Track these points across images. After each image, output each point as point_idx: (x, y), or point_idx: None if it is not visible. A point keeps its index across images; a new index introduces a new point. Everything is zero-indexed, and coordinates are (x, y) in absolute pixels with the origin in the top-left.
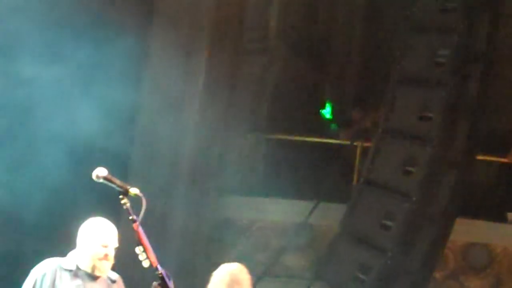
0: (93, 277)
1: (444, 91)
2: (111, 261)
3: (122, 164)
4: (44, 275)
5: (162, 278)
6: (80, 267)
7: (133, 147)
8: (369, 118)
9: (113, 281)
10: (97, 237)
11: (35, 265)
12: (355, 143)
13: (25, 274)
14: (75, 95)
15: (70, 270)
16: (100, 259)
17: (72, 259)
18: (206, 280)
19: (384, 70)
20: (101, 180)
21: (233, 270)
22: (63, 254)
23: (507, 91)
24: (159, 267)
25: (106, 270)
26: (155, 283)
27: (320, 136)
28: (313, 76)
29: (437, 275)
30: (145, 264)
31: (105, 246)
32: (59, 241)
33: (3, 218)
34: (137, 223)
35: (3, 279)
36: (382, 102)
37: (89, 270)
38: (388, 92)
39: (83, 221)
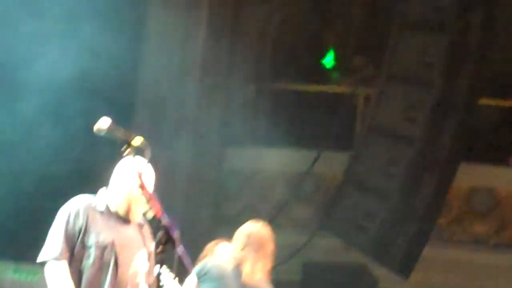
0: (125, 221)
1: (446, 35)
2: (145, 205)
3: (126, 119)
4: (78, 212)
5: (166, 228)
6: (111, 209)
7: (137, 102)
8: (371, 65)
9: (141, 226)
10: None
11: None
12: (357, 91)
13: None
14: (74, 49)
15: (101, 212)
16: (136, 202)
17: (103, 199)
18: (211, 231)
19: (386, 16)
20: (103, 133)
21: (255, 230)
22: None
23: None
24: (163, 217)
25: (140, 215)
26: (160, 233)
27: (323, 85)
28: (315, 24)
29: (441, 220)
30: (150, 214)
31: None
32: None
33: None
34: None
35: None
36: (385, 48)
37: (122, 213)
38: (390, 38)
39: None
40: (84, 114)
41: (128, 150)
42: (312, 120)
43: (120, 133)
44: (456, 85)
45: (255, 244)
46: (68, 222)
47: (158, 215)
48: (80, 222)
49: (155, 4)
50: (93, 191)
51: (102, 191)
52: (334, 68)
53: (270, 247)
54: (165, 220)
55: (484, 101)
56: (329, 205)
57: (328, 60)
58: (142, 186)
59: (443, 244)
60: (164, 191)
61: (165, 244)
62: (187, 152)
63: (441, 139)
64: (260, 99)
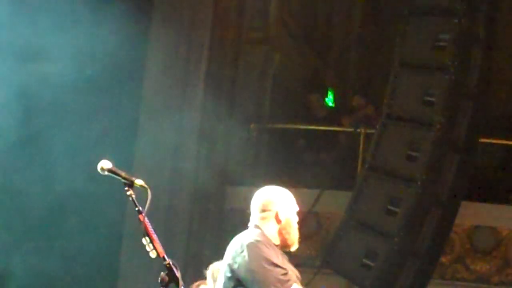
0: (287, 253)
1: (446, 75)
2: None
3: (127, 157)
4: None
5: (170, 268)
6: (275, 242)
7: (137, 142)
8: (370, 105)
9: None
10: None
11: None
12: (358, 130)
13: None
14: None
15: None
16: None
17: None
18: None
19: (386, 56)
20: (106, 173)
21: None
22: None
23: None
24: (166, 257)
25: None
26: (162, 274)
27: (323, 124)
28: (315, 64)
29: (444, 259)
30: (152, 254)
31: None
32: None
33: None
34: (143, 214)
35: None
36: (384, 88)
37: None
38: (390, 78)
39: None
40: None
41: (130, 191)
42: (314, 159)
43: (122, 174)
44: (457, 123)
45: None
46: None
47: (161, 255)
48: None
49: (154, 47)
50: None
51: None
52: (334, 108)
53: None
54: (168, 260)
55: (486, 139)
56: (332, 244)
57: (328, 100)
58: (145, 227)
59: (445, 282)
60: (166, 231)
61: (168, 284)
62: (187, 192)
63: (443, 178)
64: (260, 139)
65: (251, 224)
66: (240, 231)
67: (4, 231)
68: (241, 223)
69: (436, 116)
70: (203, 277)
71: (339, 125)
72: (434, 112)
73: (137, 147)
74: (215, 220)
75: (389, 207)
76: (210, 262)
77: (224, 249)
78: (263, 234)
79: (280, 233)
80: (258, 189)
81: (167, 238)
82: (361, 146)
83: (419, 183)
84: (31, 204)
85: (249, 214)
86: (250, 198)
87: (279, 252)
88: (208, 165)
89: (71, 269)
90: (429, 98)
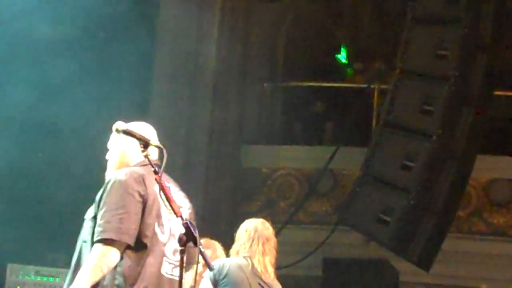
0: None
1: (458, 28)
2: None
3: (141, 119)
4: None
5: (187, 228)
6: None
7: (151, 102)
8: (385, 60)
9: None
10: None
11: None
12: (372, 86)
13: None
14: None
15: None
16: None
17: None
18: (230, 230)
19: (399, 11)
20: (121, 134)
21: (257, 225)
22: None
23: None
24: (183, 217)
25: None
26: (180, 233)
27: (337, 81)
28: (327, 21)
29: (461, 213)
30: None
31: None
32: None
33: None
34: (159, 174)
35: None
36: (398, 43)
37: None
38: (403, 33)
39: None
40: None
41: (146, 152)
42: (328, 116)
43: (137, 134)
44: (471, 77)
45: (260, 239)
46: None
47: (178, 215)
48: None
49: (167, 7)
50: None
51: None
52: (347, 65)
53: (274, 240)
54: (185, 219)
55: (500, 92)
56: (348, 201)
57: (342, 57)
58: (162, 188)
59: (462, 236)
60: (182, 191)
61: (186, 243)
62: (203, 152)
63: (458, 132)
64: (275, 98)
65: None
66: (257, 190)
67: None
68: (258, 182)
69: (450, 70)
70: (220, 237)
71: (353, 81)
72: (447, 66)
73: (152, 107)
74: (231, 180)
75: (405, 162)
76: (227, 222)
77: (241, 209)
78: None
79: None
80: (274, 148)
81: None
82: (375, 103)
83: (434, 137)
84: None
85: (265, 173)
86: (266, 157)
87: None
88: (223, 125)
89: None
90: (442, 52)
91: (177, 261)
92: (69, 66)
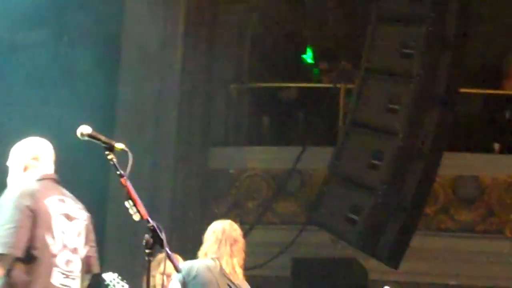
0: None
1: (424, 26)
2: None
3: (107, 122)
4: None
5: (154, 230)
6: None
7: (118, 106)
8: (350, 59)
9: None
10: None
11: None
12: (338, 86)
13: None
14: None
15: None
16: None
17: None
18: (198, 232)
19: (364, 10)
20: (86, 138)
21: (225, 227)
22: None
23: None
24: (149, 219)
25: None
26: (147, 236)
27: (303, 81)
28: (292, 21)
29: (428, 210)
30: (136, 217)
31: None
32: None
33: None
34: (125, 177)
35: None
36: (362, 43)
37: None
38: (367, 32)
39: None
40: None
41: (111, 155)
42: (294, 117)
43: (102, 138)
44: (436, 75)
45: (228, 240)
46: None
47: (145, 218)
48: None
49: (131, 8)
50: None
51: None
52: (313, 65)
53: (242, 241)
54: (151, 222)
55: (466, 90)
56: (316, 200)
57: (307, 57)
58: (127, 191)
59: (430, 233)
60: (150, 194)
61: (152, 246)
62: (170, 155)
63: (424, 130)
64: (241, 99)
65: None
66: (225, 192)
67: None
68: (225, 183)
69: (415, 68)
70: (188, 239)
71: (319, 81)
72: (413, 65)
73: (118, 110)
74: (199, 182)
75: (372, 161)
76: (195, 224)
77: (209, 211)
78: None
79: None
80: (241, 149)
81: (151, 202)
82: (341, 102)
83: (400, 135)
84: None
85: (232, 174)
86: (234, 158)
87: None
88: (190, 127)
89: None
90: (407, 50)
91: (69, 271)
92: (30, 67)
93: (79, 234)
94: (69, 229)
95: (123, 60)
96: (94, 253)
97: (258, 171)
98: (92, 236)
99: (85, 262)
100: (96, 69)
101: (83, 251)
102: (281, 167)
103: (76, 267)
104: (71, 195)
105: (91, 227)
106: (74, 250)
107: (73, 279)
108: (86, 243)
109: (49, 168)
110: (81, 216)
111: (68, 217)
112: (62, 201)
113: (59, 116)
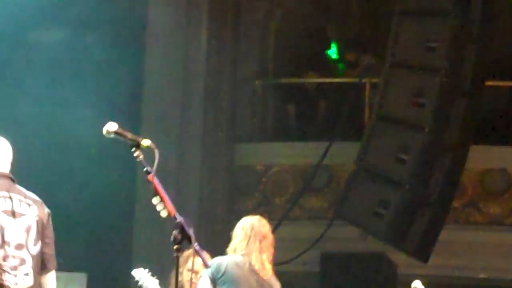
0: None
1: (448, 19)
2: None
3: (132, 120)
4: None
5: (182, 227)
6: None
7: (143, 103)
8: (375, 54)
9: None
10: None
11: None
12: (363, 80)
13: None
14: None
15: None
16: None
17: None
18: (226, 228)
19: (388, 4)
20: (112, 136)
21: (254, 223)
22: None
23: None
24: (177, 215)
25: None
26: (175, 232)
27: (328, 76)
28: (316, 16)
29: (456, 204)
30: (163, 214)
31: None
32: None
33: None
34: (152, 174)
35: None
36: (387, 37)
37: None
38: (392, 26)
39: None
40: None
41: (137, 152)
42: (321, 112)
43: (128, 135)
44: (462, 68)
45: (257, 237)
46: None
47: (172, 214)
48: None
49: (155, 8)
50: None
51: None
52: (338, 60)
53: (271, 237)
54: (179, 219)
55: (492, 82)
56: (343, 195)
57: (332, 52)
58: (155, 187)
59: (459, 227)
60: (177, 191)
61: (180, 242)
62: (197, 152)
63: (451, 123)
64: (266, 95)
65: None
66: (252, 188)
67: None
68: (252, 180)
69: (440, 61)
70: (216, 235)
71: (344, 76)
72: (437, 58)
73: (143, 108)
74: (225, 178)
75: (399, 155)
76: (223, 220)
77: (236, 207)
78: None
79: None
80: (267, 145)
81: (178, 198)
82: (367, 97)
83: (427, 129)
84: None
85: (259, 170)
86: (260, 154)
87: None
88: (216, 123)
89: (84, 236)
90: (432, 44)
91: (9, 267)
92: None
93: (27, 231)
94: (13, 226)
95: (147, 56)
96: (50, 250)
97: (285, 167)
98: (49, 233)
99: (39, 259)
100: (120, 64)
101: (34, 248)
102: (308, 162)
103: (21, 263)
104: (26, 192)
105: (48, 223)
106: (18, 246)
107: (15, 275)
108: (39, 239)
109: (2, 166)
110: (31, 212)
111: (13, 214)
112: (9, 198)
113: (84, 114)
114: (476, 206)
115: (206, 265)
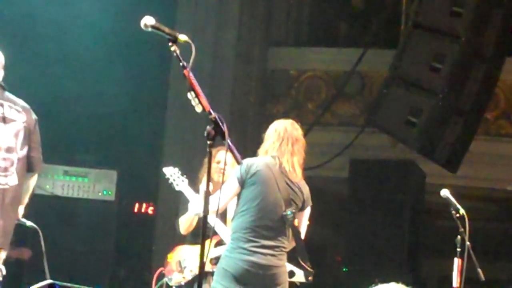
0: None
1: None
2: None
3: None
4: None
5: (216, 122)
6: None
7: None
8: None
9: None
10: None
11: None
12: None
13: None
14: None
15: None
16: None
17: None
18: (257, 131)
19: None
20: (149, 29)
21: (287, 126)
22: None
23: None
24: (211, 111)
25: None
26: (208, 127)
27: None
28: None
29: (489, 115)
30: (198, 109)
31: None
32: None
33: None
34: (188, 69)
35: None
36: None
37: None
38: None
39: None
40: None
41: (174, 47)
42: (356, 18)
43: (166, 29)
44: None
45: (290, 139)
46: None
47: (207, 109)
48: None
49: None
50: None
51: None
52: None
53: (303, 141)
54: (213, 114)
55: None
56: (375, 102)
57: None
58: (190, 82)
59: (490, 138)
60: (211, 93)
61: (214, 137)
62: (231, 55)
63: (487, 33)
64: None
65: None
66: (284, 92)
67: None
68: (285, 83)
69: None
70: (247, 137)
71: None
72: None
73: (179, 8)
74: (258, 82)
75: (433, 63)
76: (254, 123)
77: (268, 110)
78: None
79: None
80: (301, 50)
81: (211, 100)
82: (404, 4)
83: (463, 39)
84: None
85: (292, 75)
86: (294, 59)
87: None
88: (250, 27)
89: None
90: None
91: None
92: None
93: (16, 135)
94: (3, 131)
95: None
96: (37, 153)
97: (318, 72)
98: (35, 138)
99: (26, 161)
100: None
101: (21, 151)
102: (341, 68)
103: (10, 164)
104: (16, 99)
105: (35, 129)
106: (8, 149)
107: (5, 176)
108: (26, 144)
109: None
110: (20, 118)
111: (4, 120)
112: (0, 105)
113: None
114: (508, 118)
115: (237, 161)
